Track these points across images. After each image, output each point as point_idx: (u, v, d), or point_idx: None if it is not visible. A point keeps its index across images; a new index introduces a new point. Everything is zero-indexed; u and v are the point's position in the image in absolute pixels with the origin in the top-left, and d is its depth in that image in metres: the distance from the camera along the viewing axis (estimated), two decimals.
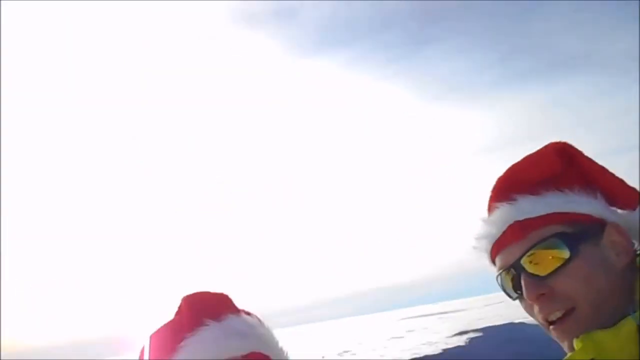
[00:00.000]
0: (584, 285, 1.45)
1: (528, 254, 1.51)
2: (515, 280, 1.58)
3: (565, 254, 1.47)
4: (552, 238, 1.49)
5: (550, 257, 1.49)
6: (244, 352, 1.59)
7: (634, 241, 1.55)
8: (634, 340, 1.33)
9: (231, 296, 1.80)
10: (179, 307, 1.71)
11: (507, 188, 1.61)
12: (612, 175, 1.61)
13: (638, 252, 1.55)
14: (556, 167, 1.58)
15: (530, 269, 1.51)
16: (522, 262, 1.52)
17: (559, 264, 1.47)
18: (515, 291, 1.61)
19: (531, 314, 1.59)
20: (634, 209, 1.56)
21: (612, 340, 1.36)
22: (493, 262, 1.69)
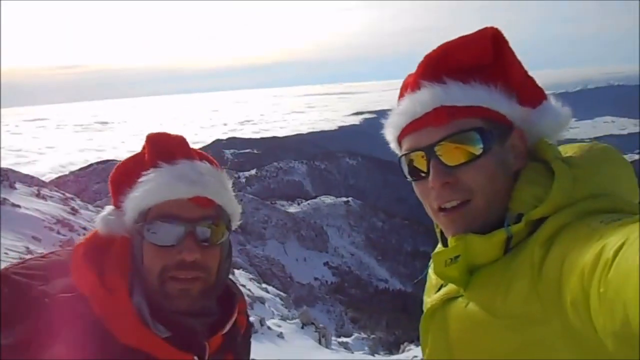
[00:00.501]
0: (487, 182, 1.50)
1: (444, 141, 1.52)
2: (412, 165, 1.61)
3: (479, 149, 1.49)
4: (471, 131, 1.50)
5: (464, 149, 1.50)
6: (190, 196, 1.70)
7: (528, 145, 1.61)
8: (499, 247, 1.47)
9: (188, 141, 1.84)
10: (144, 145, 1.82)
11: (438, 68, 1.56)
12: (526, 72, 1.63)
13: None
14: (488, 57, 1.56)
15: (441, 156, 1.52)
16: (435, 148, 1.53)
17: (469, 157, 1.50)
18: (411, 176, 1.64)
19: (424, 197, 1.63)
20: (535, 108, 1.60)
21: (481, 244, 1.47)
22: (398, 140, 1.68)
